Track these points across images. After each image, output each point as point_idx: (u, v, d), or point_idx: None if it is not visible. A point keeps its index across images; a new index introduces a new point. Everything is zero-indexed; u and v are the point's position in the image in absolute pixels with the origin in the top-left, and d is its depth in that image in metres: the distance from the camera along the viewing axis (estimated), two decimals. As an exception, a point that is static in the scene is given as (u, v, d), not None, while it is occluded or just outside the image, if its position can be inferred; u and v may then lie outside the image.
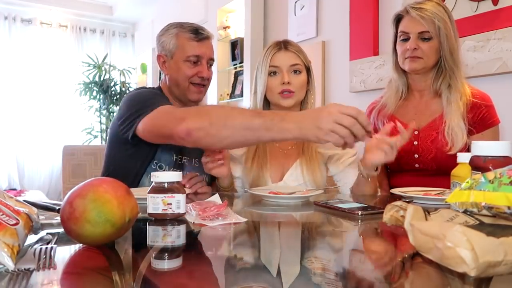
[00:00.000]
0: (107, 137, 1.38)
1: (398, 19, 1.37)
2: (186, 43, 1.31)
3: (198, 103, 1.38)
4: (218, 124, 0.95)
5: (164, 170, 1.27)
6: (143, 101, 1.17)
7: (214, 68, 3.31)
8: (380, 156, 1.06)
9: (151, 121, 1.10)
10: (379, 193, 1.22)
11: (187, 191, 1.05)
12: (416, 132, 1.34)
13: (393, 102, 1.40)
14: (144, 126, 1.12)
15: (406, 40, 1.32)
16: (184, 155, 1.33)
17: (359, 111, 0.86)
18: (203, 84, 1.34)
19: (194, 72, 1.31)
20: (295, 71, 1.28)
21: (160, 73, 1.46)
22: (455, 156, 0.95)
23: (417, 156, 1.32)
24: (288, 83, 1.26)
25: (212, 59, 1.36)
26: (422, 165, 1.32)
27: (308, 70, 1.32)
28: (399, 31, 1.35)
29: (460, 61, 1.33)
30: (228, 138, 0.95)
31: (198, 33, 1.31)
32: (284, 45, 1.30)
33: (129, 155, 1.25)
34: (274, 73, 1.29)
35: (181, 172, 0.80)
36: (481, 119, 1.29)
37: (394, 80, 1.42)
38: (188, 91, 1.33)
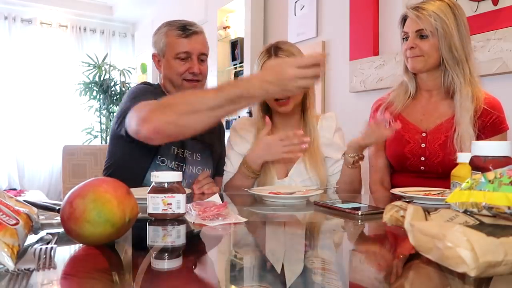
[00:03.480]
0: (109, 136, 1.40)
1: (403, 20, 1.37)
2: (175, 40, 1.32)
3: None
4: (187, 114, 0.95)
5: (166, 165, 1.28)
6: (132, 98, 1.19)
7: (214, 68, 3.35)
8: (363, 137, 1.18)
9: (127, 120, 1.11)
10: (363, 192, 1.24)
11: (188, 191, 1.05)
12: (424, 134, 1.32)
13: (401, 101, 1.39)
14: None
15: (406, 39, 1.33)
16: (186, 148, 1.34)
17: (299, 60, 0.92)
18: (197, 79, 1.34)
19: (184, 69, 1.32)
20: None
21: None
22: None
23: (423, 158, 1.30)
24: None
25: (204, 54, 1.36)
26: (428, 168, 1.30)
27: None
28: (402, 31, 1.36)
29: (466, 60, 1.27)
30: (199, 124, 0.96)
31: (185, 29, 1.32)
32: (274, 51, 1.29)
33: (130, 152, 1.25)
34: None
35: (181, 172, 0.80)
36: (491, 124, 1.26)
37: (405, 81, 1.40)
38: (182, 88, 1.33)
